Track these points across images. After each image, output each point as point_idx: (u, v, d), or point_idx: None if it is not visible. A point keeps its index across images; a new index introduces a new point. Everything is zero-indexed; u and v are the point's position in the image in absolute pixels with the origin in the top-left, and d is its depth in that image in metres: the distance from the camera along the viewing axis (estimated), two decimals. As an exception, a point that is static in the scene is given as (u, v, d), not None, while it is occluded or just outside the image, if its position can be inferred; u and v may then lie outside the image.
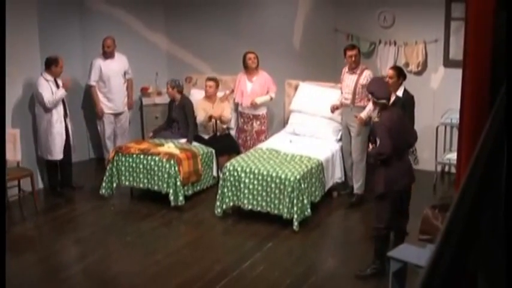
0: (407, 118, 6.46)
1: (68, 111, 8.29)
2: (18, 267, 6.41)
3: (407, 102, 6.97)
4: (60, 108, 8.13)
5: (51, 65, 8.01)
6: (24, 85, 8.20)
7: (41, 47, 8.33)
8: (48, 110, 8.01)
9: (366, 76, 7.53)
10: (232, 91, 8.79)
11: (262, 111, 8.67)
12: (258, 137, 8.62)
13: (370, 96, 6.06)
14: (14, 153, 7.85)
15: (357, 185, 7.80)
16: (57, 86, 8.09)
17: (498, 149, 1.81)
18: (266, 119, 8.75)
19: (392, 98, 6.45)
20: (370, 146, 6.17)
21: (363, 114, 7.33)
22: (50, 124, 8.07)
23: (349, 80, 7.67)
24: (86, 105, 9.59)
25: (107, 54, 8.94)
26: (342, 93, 7.81)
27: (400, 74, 7.24)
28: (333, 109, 7.90)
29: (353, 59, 7.59)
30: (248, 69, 8.58)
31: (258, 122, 8.66)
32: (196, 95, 8.85)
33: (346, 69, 7.76)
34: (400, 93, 7.03)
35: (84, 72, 9.25)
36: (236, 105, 8.81)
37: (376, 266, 5.91)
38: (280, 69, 9.10)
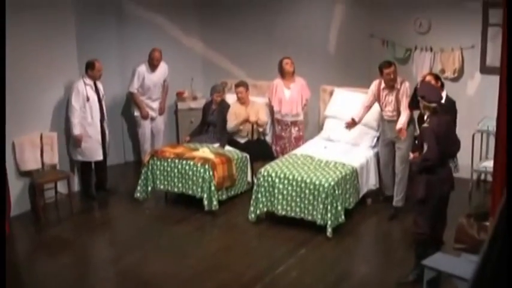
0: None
1: (105, 116, 8.38)
2: (54, 268, 6.52)
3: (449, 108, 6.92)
4: (97, 112, 8.22)
5: (87, 68, 8.13)
6: (62, 89, 8.31)
7: (79, 52, 8.45)
8: (69, 114, 8.09)
9: (405, 88, 7.35)
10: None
11: (300, 118, 8.68)
12: (296, 143, 8.60)
13: (420, 100, 5.88)
14: (51, 156, 7.98)
15: (398, 198, 7.62)
16: (97, 90, 8.20)
17: None
18: (303, 124, 8.77)
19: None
20: (411, 155, 6.06)
21: (401, 124, 7.21)
22: (83, 127, 8.15)
23: (389, 97, 7.43)
24: (124, 111, 9.73)
25: (153, 67, 9.06)
26: (381, 110, 7.60)
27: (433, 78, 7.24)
28: (349, 125, 7.68)
29: (391, 76, 7.30)
30: (285, 75, 8.57)
31: (297, 128, 8.66)
32: (231, 100, 8.87)
33: (382, 85, 7.46)
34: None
35: (121, 78, 9.38)
36: (272, 111, 8.81)
37: (418, 272, 5.76)
38: (316, 75, 9.09)
